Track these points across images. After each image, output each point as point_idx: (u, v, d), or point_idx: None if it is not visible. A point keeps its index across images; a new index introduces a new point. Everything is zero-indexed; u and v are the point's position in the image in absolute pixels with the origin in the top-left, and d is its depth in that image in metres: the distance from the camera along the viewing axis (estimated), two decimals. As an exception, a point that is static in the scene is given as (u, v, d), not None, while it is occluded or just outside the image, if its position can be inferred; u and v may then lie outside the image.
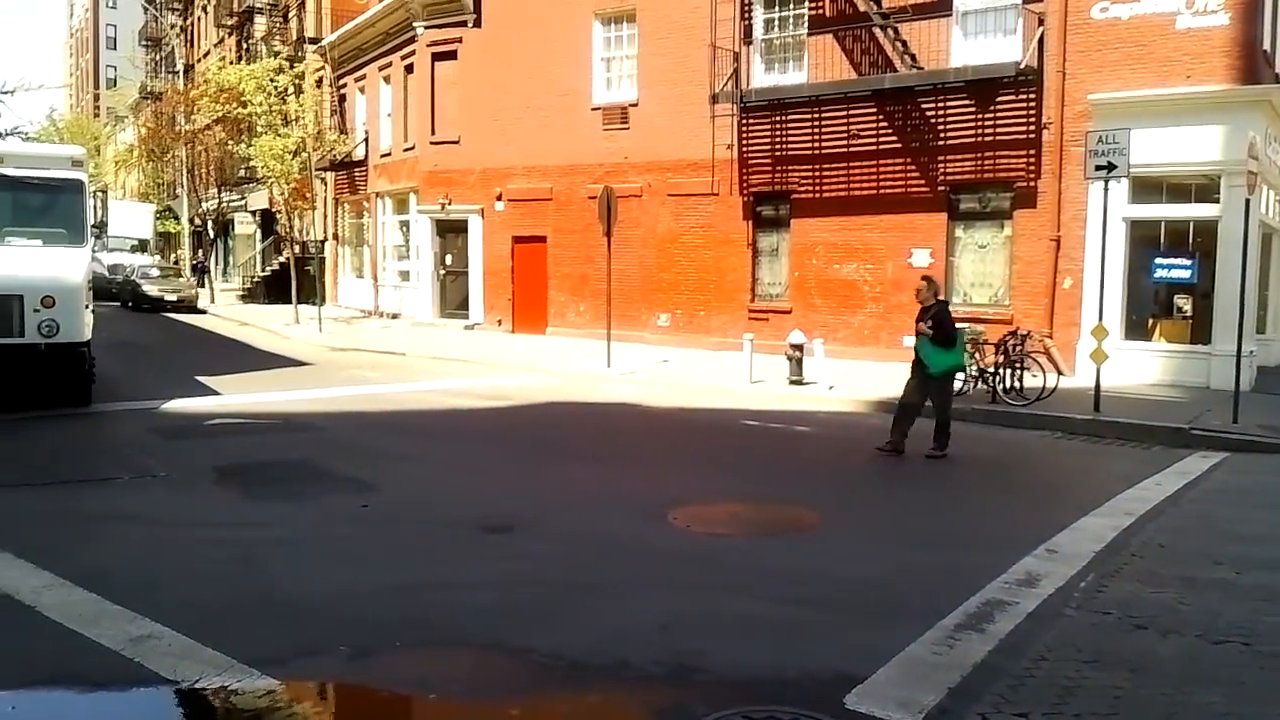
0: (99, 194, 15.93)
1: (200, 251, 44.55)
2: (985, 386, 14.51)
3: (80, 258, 13.17)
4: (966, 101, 18.24)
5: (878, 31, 19.06)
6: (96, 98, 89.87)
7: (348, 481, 9.31)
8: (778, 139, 20.52)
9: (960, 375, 12.65)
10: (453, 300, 27.44)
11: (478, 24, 25.85)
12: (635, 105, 22.78)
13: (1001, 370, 14.44)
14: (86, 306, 12.90)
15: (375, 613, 5.90)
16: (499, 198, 25.57)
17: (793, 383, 15.88)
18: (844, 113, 19.62)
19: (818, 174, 20.09)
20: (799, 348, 16.00)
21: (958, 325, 11.49)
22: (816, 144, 20.05)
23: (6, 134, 41.06)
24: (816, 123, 20.01)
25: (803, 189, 20.28)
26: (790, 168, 20.42)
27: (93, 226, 13.75)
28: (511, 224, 25.41)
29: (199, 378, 16.30)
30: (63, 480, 9.31)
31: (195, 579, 6.50)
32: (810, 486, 9.87)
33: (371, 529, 7.85)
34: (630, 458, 11.24)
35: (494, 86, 25.34)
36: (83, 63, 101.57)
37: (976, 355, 14.74)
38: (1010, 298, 17.98)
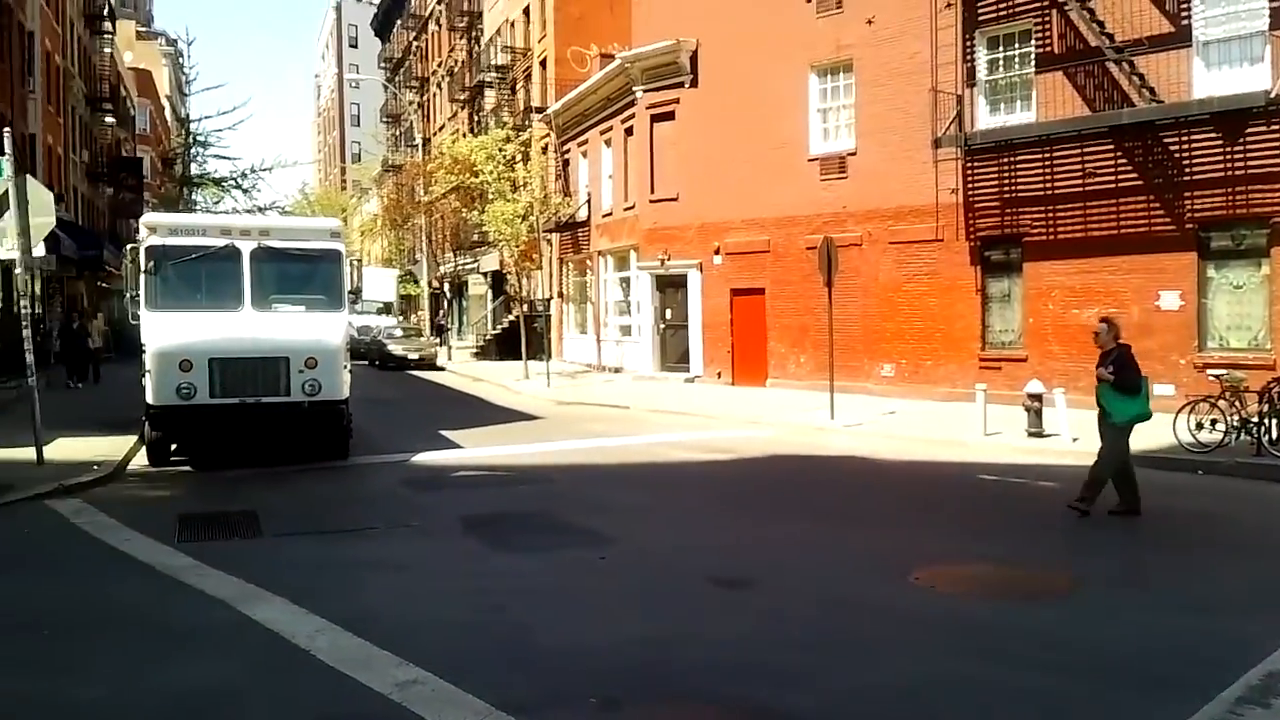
0: (354, 262, 17.18)
1: (441, 312, 47.29)
2: (1249, 438, 13.35)
3: (339, 322, 14.23)
4: (1213, 134, 17.08)
5: (1111, 66, 18.19)
6: (343, 171, 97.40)
7: (584, 533, 9.57)
8: (1006, 181, 19.84)
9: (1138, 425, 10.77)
10: (673, 354, 27.89)
11: (694, 84, 26.47)
12: (853, 154, 22.62)
13: (1266, 420, 13.27)
14: (345, 367, 13.90)
15: (621, 664, 6.01)
16: (717, 252, 25.89)
17: (1031, 435, 15.15)
18: (1078, 151, 18.77)
19: (1051, 215, 19.26)
20: (1037, 398, 15.28)
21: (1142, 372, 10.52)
22: (1049, 184, 19.25)
23: (266, 208, 45.29)
24: (1048, 162, 19.23)
25: (1035, 231, 19.48)
26: (1021, 210, 19.68)
27: (349, 292, 14.83)
28: (730, 277, 25.64)
29: (442, 431, 17.23)
30: (328, 530, 10.02)
31: (452, 626, 6.83)
32: (1058, 545, 9.36)
33: (611, 581, 8.03)
34: (862, 513, 11.00)
35: (711, 143, 25.80)
36: (330, 140, 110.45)
37: (1237, 404, 13.62)
38: (1272, 341, 16.56)
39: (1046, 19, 19.18)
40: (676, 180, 27.04)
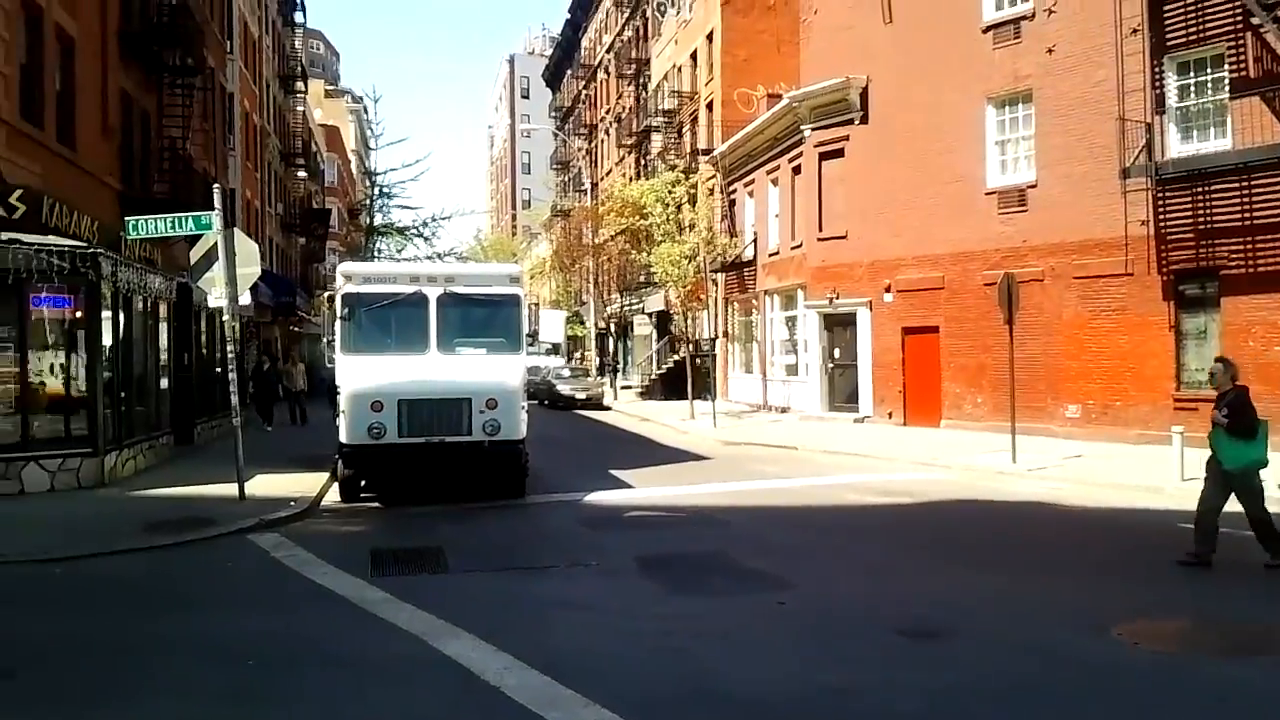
0: (531, 306, 17.70)
1: (612, 353, 48.17)
2: None
3: (517, 364, 14.66)
4: None
5: (1318, 86, 17.02)
6: (514, 217, 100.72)
7: (760, 576, 9.47)
8: (1201, 211, 18.75)
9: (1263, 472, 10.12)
10: (841, 393, 27.46)
11: (864, 120, 26.20)
12: (1034, 186, 21.86)
13: None
14: (522, 407, 14.28)
15: (808, 712, 5.90)
16: (887, 289, 25.42)
17: (1234, 480, 14.15)
18: (1278, 179, 17.59)
19: (1250, 247, 18.08)
20: (1240, 441, 14.26)
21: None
22: (1247, 214, 18.09)
23: (445, 254, 47.22)
24: (1246, 191, 18.09)
25: (1233, 264, 18.32)
26: (1217, 242, 18.55)
27: (526, 335, 15.26)
28: (901, 315, 25.10)
29: (613, 471, 17.45)
30: (510, 567, 10.26)
31: (633, 666, 6.87)
32: (1262, 599, 8.70)
33: (794, 626, 7.91)
34: (1052, 562, 10.48)
35: (881, 179, 25.44)
36: (502, 187, 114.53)
37: None
38: None
39: (1240, 42, 18.13)
40: (845, 218, 26.76)
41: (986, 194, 22.81)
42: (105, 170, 19.85)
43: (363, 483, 14.36)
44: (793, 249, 29.58)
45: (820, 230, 27.69)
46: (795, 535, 12.00)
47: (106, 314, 15.82)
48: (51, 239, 14.82)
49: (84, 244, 15.44)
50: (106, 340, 15.84)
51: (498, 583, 9.60)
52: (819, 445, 21.23)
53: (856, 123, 26.40)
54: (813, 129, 27.74)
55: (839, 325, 27.40)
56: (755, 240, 32.91)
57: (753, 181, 33.14)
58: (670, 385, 37.20)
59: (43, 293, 14.87)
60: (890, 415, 25.28)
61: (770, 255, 31.70)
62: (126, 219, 14.94)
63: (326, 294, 14.55)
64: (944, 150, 23.74)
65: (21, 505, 13.30)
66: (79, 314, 15.40)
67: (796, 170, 29.22)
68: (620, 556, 10.49)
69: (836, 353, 27.60)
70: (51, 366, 15.32)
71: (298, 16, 51.85)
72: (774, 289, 31.40)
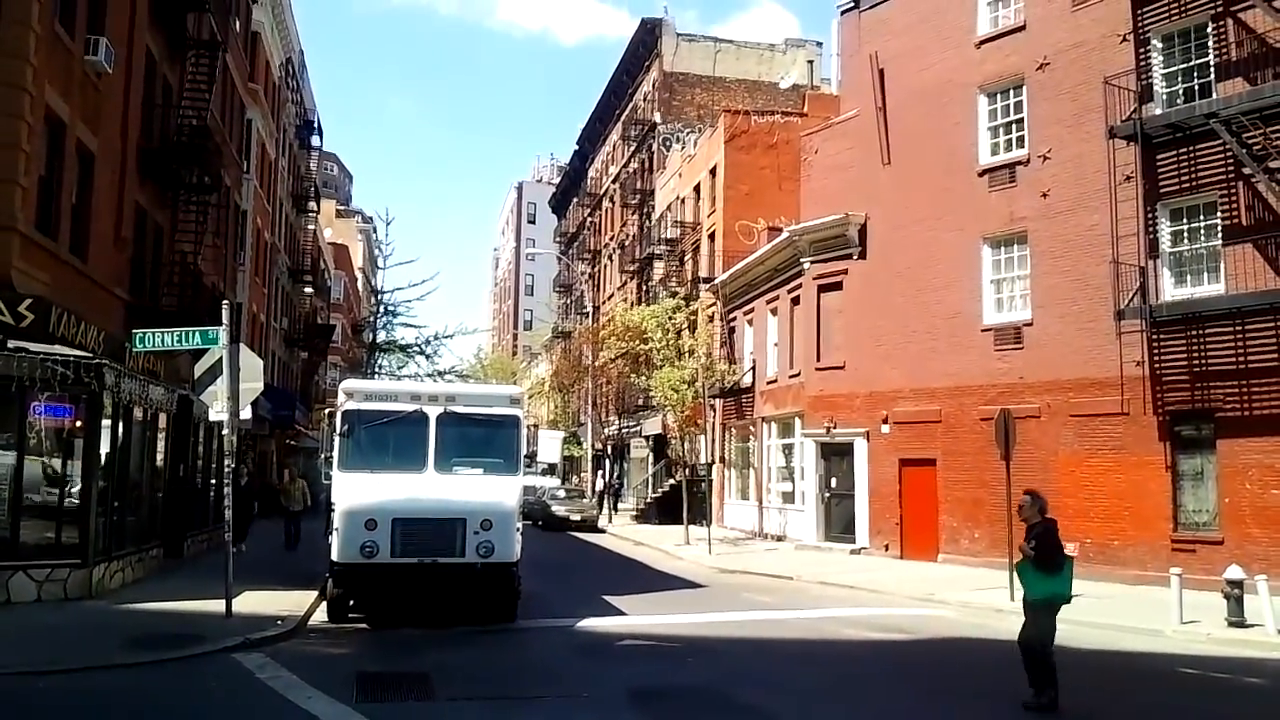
0: (530, 427, 17.76)
1: (615, 474, 48.00)
2: None
3: (514, 485, 14.62)
4: None
5: (1307, 235, 17.47)
6: (515, 338, 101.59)
7: (754, 713, 9.27)
8: (1195, 354, 19.00)
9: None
10: (838, 523, 27.28)
11: (863, 255, 26.75)
12: (1029, 324, 22.20)
13: None
14: (517, 529, 14.17)
15: None
16: (885, 420, 25.52)
17: (1232, 624, 14.03)
18: (1272, 324, 17.90)
19: (1245, 390, 18.27)
20: (1237, 584, 14.19)
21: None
22: (1241, 358, 18.35)
23: (446, 372, 47.45)
24: (1240, 335, 18.38)
25: (1229, 406, 18.47)
26: (1212, 384, 18.75)
27: (524, 456, 15.27)
28: (898, 446, 25.14)
29: (605, 596, 17.21)
30: (498, 696, 10.04)
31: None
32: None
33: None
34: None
35: (879, 312, 25.82)
36: (505, 308, 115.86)
37: None
38: None
39: (1233, 190, 18.69)
40: (843, 349, 27.06)
41: (983, 330, 23.14)
42: (115, 281, 20.14)
43: (351, 602, 14.15)
44: (791, 377, 29.81)
45: (818, 360, 27.97)
46: (791, 671, 11.78)
47: (106, 423, 15.85)
48: (57, 348, 14.96)
49: (89, 354, 15.57)
50: (104, 450, 15.82)
51: (485, 713, 9.40)
52: (815, 576, 20.99)
53: (855, 257, 26.95)
54: (812, 261, 28.29)
55: (836, 454, 27.40)
56: (754, 367, 33.18)
57: (752, 310, 33.61)
58: (666, 509, 36.93)
59: (44, 401, 14.93)
60: (887, 547, 25.06)
61: (768, 383, 31.93)
62: (134, 332, 15.12)
63: (327, 410, 14.59)
64: (941, 286, 24.17)
65: (6, 615, 13.07)
66: (79, 423, 15.43)
67: (795, 301, 29.68)
68: (612, 688, 10.28)
69: (833, 482, 27.52)
70: (47, 474, 15.29)
71: (314, 140, 53.33)
72: (771, 416, 31.51)
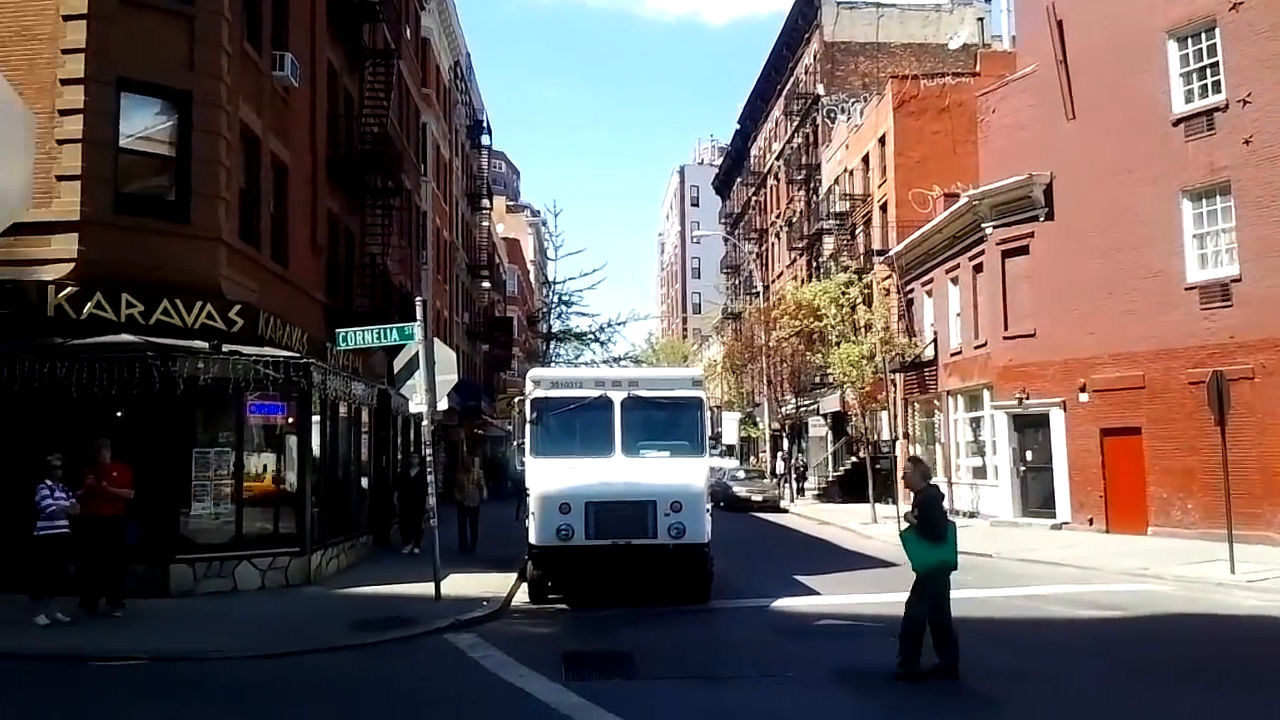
0: (713, 408, 17.76)
1: (798, 454, 47.60)
2: None
3: (701, 467, 14.66)
4: None
5: None
6: (684, 321, 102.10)
7: (974, 695, 8.97)
8: None
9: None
10: (1035, 498, 26.17)
11: (1049, 217, 25.50)
12: (1238, 280, 20.67)
13: None
14: (706, 510, 14.19)
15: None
16: (1082, 389, 24.29)
17: None
18: None
19: None
20: None
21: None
22: None
23: (621, 358, 48.13)
24: None
25: None
26: None
27: (709, 437, 15.29)
28: (1098, 415, 23.89)
29: (797, 576, 17.06)
30: (701, 675, 10.08)
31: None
32: None
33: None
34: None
35: (1069, 276, 24.57)
36: (673, 292, 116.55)
37: None
38: None
39: None
40: (1033, 316, 25.89)
41: (1186, 289, 21.70)
42: (314, 286, 21.29)
43: (550, 583, 14.51)
44: (976, 348, 28.75)
45: (1006, 329, 26.85)
46: (999, 651, 11.32)
47: (315, 419, 16.75)
48: (267, 350, 15.93)
49: (296, 355, 16.51)
50: (314, 444, 16.74)
51: (691, 691, 9.44)
52: (1014, 553, 20.21)
53: (1041, 219, 25.71)
54: (994, 226, 27.16)
55: (1030, 426, 26.27)
56: (935, 340, 32.17)
57: (931, 280, 32.57)
58: (848, 487, 36.35)
59: (257, 400, 15.91)
60: (1090, 521, 23.88)
61: (952, 355, 30.89)
62: (336, 331, 15.94)
63: (516, 398, 14.99)
64: (1137, 245, 22.78)
65: (235, 602, 14.01)
66: (290, 420, 16.38)
67: (978, 268, 28.58)
68: (814, 667, 10.16)
69: (1028, 455, 26.41)
70: (264, 469, 16.30)
71: (484, 139, 54.92)
72: (957, 389, 30.48)
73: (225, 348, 15.00)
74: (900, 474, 10.50)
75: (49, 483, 12.08)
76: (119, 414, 14.52)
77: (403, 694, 9.43)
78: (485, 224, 55.59)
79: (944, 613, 9.51)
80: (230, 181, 16.62)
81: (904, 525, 9.92)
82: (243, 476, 15.39)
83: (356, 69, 25.33)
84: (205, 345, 14.75)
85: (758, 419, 49.95)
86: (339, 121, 23.76)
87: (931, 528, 9.49)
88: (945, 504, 10.12)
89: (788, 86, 53.68)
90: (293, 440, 16.40)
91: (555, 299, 45.79)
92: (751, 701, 9.04)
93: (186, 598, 14.09)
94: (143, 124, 15.79)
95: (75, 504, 12.23)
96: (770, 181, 59.20)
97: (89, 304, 14.50)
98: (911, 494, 10.02)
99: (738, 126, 66.76)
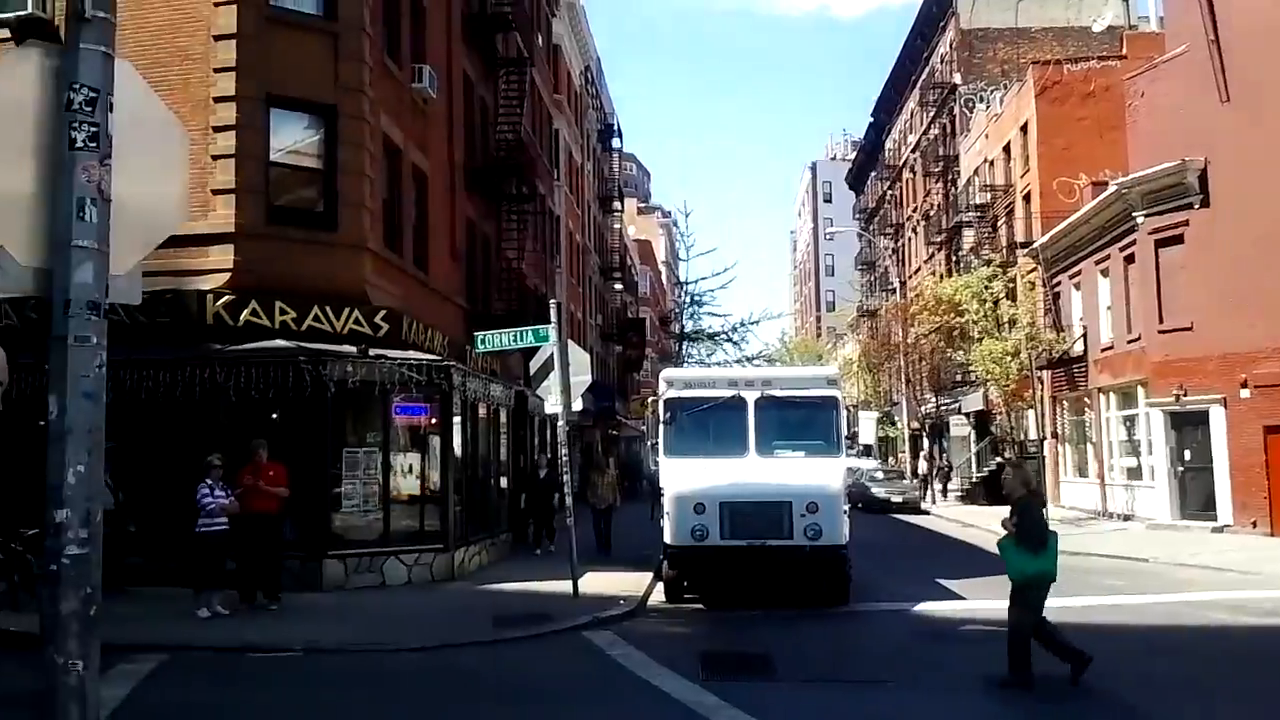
0: (849, 408, 17.48)
1: (942, 455, 46.42)
2: None
3: (837, 467, 14.43)
4: None
5: None
6: (819, 319, 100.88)
7: (1124, 709, 8.56)
8: None
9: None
10: (1194, 499, 24.82)
11: (1205, 204, 24.16)
12: None
13: None
14: (844, 511, 13.96)
15: None
16: (1243, 384, 22.92)
17: None
18: None
19: None
20: None
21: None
22: None
23: (754, 358, 47.94)
24: None
25: None
26: None
27: (845, 437, 15.05)
28: (1262, 412, 22.50)
29: (940, 580, 16.60)
30: (841, 679, 9.92)
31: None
32: None
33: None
34: None
35: (1229, 266, 23.23)
36: (805, 290, 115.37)
37: None
38: None
39: None
40: (1189, 308, 24.56)
41: (1364, 275, 20.24)
42: (453, 291, 21.87)
43: (685, 583, 14.52)
44: (1129, 343, 27.45)
45: (1161, 322, 25.56)
46: (1153, 660, 10.80)
47: (456, 420, 17.20)
48: (411, 354, 16.44)
49: (438, 357, 16.99)
50: (455, 444, 17.19)
51: (830, 694, 9.31)
52: (1172, 557, 19.24)
53: (1196, 206, 24.38)
54: (1145, 215, 25.89)
55: (1188, 424, 24.94)
56: (1084, 334, 30.85)
57: (1079, 273, 31.27)
58: (993, 489, 35.11)
59: (402, 402, 16.44)
60: (1254, 524, 22.50)
61: (1103, 350, 29.57)
62: (475, 334, 16.35)
63: (649, 398, 15.14)
64: (1306, 229, 21.37)
65: (384, 597, 14.50)
66: (433, 420, 16.87)
67: (1129, 259, 27.30)
68: (962, 674, 9.87)
69: (1186, 454, 25.08)
70: (409, 469, 16.82)
71: (614, 143, 55.45)
72: (1109, 386, 29.17)
73: (371, 351, 15.55)
74: (1000, 480, 10.22)
75: (209, 482, 12.73)
76: (274, 416, 15.21)
77: (546, 689, 9.60)
78: (617, 226, 56.11)
79: (1024, 628, 9.17)
80: (374, 191, 17.20)
81: (1003, 534, 9.53)
82: (389, 476, 15.92)
83: (491, 78, 25.90)
84: (353, 349, 15.32)
85: (895, 418, 48.96)
86: (475, 130, 24.33)
87: (1031, 537, 9.15)
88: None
89: (923, 77, 52.38)
90: (435, 440, 16.89)
91: (687, 299, 45.89)
92: (892, 707, 8.85)
93: (338, 592, 14.65)
94: (291, 138, 16.51)
95: (234, 502, 12.87)
96: (906, 175, 57.89)
97: (244, 311, 15.22)
98: (1011, 502, 9.68)
99: (871, 120, 65.51)
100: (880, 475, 38.83)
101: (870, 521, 30.93)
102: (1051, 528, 9.54)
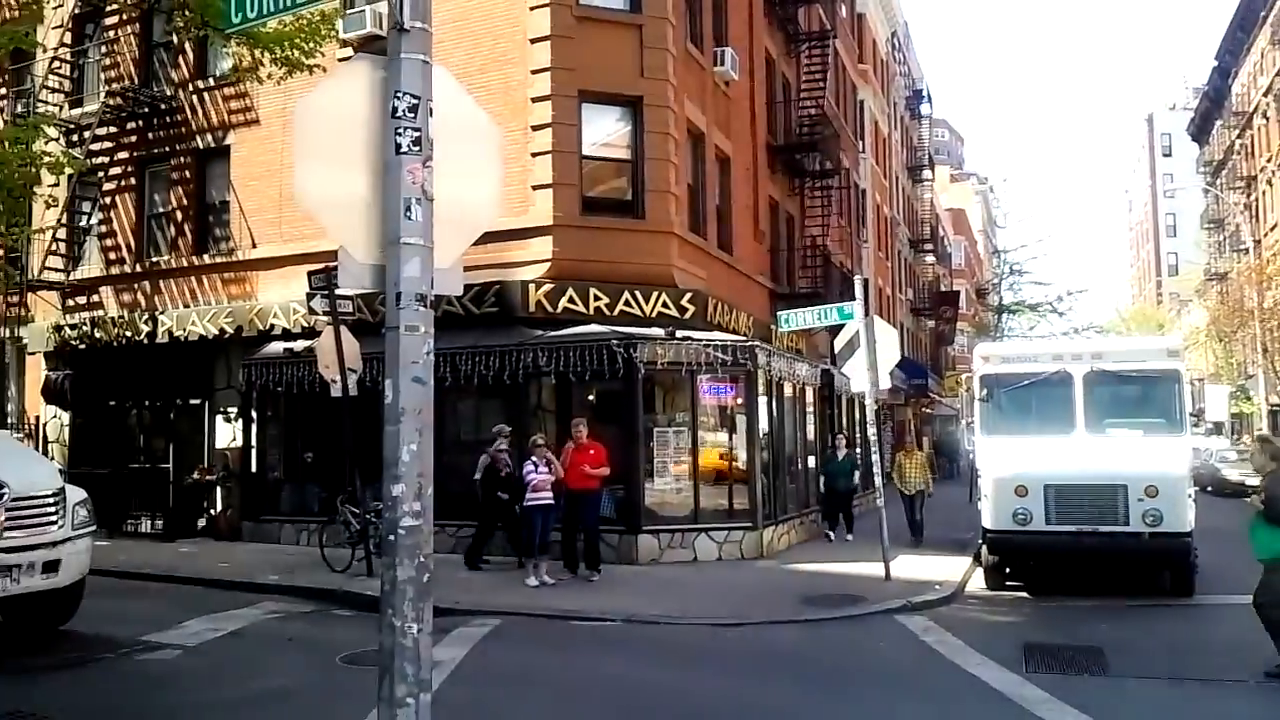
0: (1194, 381, 15.93)
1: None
2: None
3: (1180, 447, 13.15)
4: None
5: None
6: (1159, 285, 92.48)
7: None
8: None
9: None
10: None
11: None
12: None
13: None
14: (1189, 496, 12.72)
15: None
16: None
17: None
18: None
19: None
20: None
21: None
22: None
23: (1083, 329, 44.70)
24: None
25: None
26: None
27: (1190, 414, 13.69)
28: None
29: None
30: (1184, 676, 9.05)
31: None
32: None
33: None
34: None
35: None
36: (1143, 254, 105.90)
37: None
38: None
39: None
40: None
41: None
42: (756, 271, 21.99)
43: (1007, 570, 13.80)
44: None
45: None
46: None
47: (761, 399, 17.31)
48: (715, 334, 16.72)
49: (742, 337, 17.15)
50: (761, 424, 17.30)
51: (1171, 693, 8.53)
52: None
53: None
54: None
55: None
56: None
57: None
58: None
59: (710, 382, 16.76)
60: None
61: None
62: (778, 313, 16.40)
63: (963, 374, 14.35)
64: None
65: (695, 572, 14.87)
66: (738, 400, 17.06)
67: None
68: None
69: None
70: (717, 447, 17.13)
71: (923, 109, 53.47)
72: None
73: (679, 333, 15.96)
74: (1248, 454, 9.25)
75: (534, 459, 13.62)
76: (590, 397, 16.00)
77: (859, 672, 9.47)
78: (927, 196, 54.13)
79: (1273, 609, 8.60)
80: (679, 177, 17.62)
81: (1253, 511, 8.82)
82: (698, 454, 16.29)
83: (792, 54, 25.73)
84: (661, 332, 15.80)
85: (1250, 392, 43.92)
86: (776, 108, 24.29)
87: (1278, 513, 8.52)
88: None
89: (1274, 11, 46.41)
90: (741, 419, 17.08)
91: (1006, 269, 43.48)
92: (1245, 709, 7.98)
93: (652, 565, 15.22)
94: (601, 131, 17.24)
95: (556, 476, 13.69)
96: (1258, 121, 51.57)
97: (562, 299, 16.13)
98: (1262, 477, 9.00)
99: (1215, 64, 58.93)
100: (1233, 456, 34.98)
101: (1221, 506, 28.02)
102: None
